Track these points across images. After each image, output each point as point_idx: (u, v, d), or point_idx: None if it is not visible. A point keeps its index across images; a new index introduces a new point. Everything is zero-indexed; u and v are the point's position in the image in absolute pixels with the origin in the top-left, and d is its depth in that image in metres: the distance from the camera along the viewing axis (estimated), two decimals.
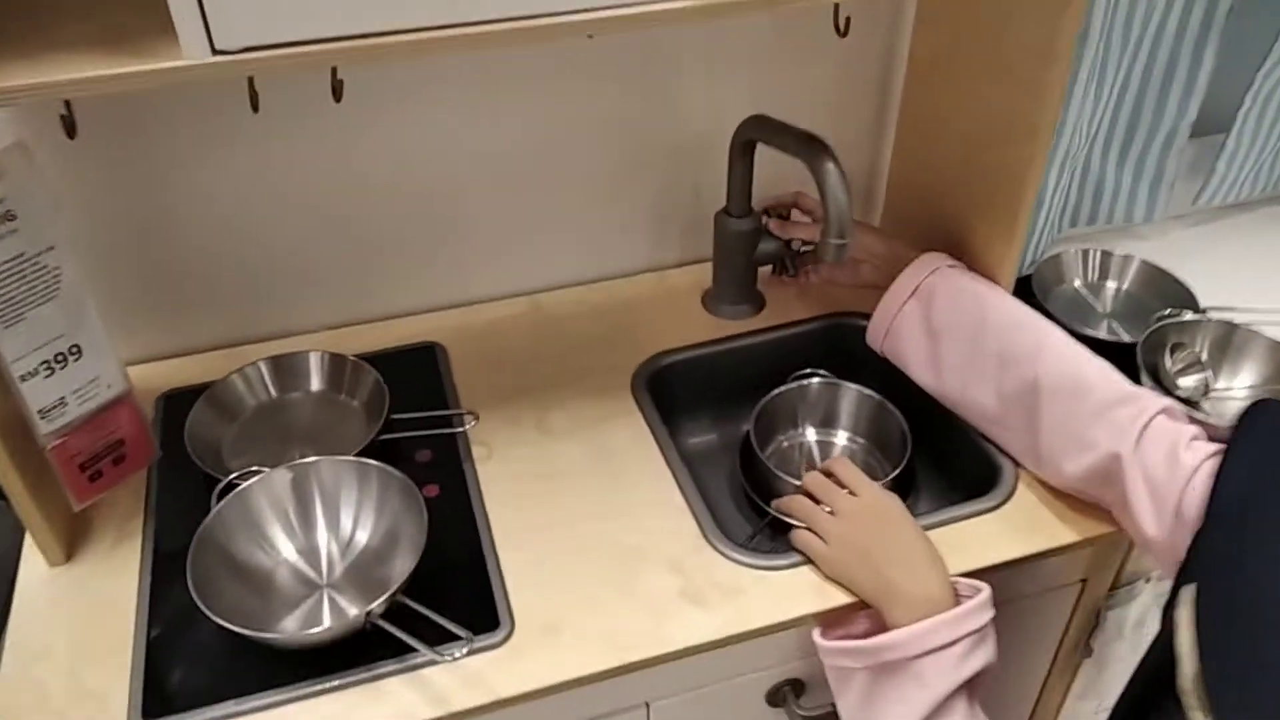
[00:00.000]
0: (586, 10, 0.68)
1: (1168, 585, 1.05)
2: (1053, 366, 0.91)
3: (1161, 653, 0.67)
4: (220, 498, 0.88)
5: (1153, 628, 1.09)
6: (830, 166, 0.92)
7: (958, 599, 0.82)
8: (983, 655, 0.81)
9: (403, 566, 0.85)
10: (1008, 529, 0.93)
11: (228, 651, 0.83)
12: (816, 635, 0.86)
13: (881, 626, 0.83)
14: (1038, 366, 0.92)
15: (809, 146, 0.94)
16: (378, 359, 1.09)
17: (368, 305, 1.19)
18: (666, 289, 1.23)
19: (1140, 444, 0.84)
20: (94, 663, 0.83)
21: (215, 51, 0.64)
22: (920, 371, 1.02)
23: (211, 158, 1.03)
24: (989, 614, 0.81)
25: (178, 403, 1.05)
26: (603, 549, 0.91)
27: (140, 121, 0.99)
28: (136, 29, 0.66)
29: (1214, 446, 0.82)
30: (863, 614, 0.87)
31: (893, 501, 0.89)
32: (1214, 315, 1.15)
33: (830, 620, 0.87)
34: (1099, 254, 1.27)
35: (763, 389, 1.09)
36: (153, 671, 0.82)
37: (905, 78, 1.15)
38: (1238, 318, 1.15)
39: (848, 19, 1.06)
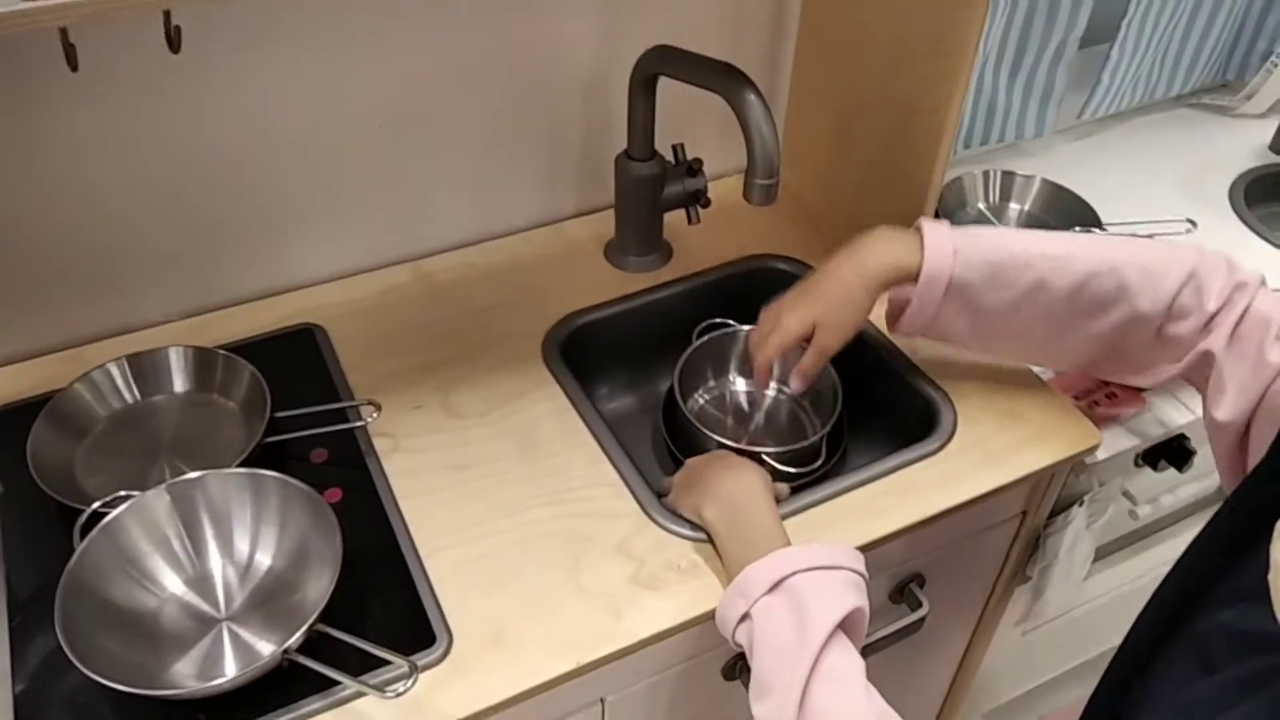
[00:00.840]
0: None
1: (1102, 505, 1.06)
2: (1143, 296, 0.81)
3: (1195, 581, 0.62)
4: (84, 532, 0.74)
5: (1084, 549, 1.10)
6: (752, 99, 0.84)
7: None
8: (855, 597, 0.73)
9: (317, 589, 0.74)
10: (950, 473, 0.89)
11: (116, 706, 0.71)
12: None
13: None
14: (1124, 304, 0.82)
15: (726, 78, 0.85)
16: (249, 349, 0.96)
17: (227, 287, 1.04)
18: (565, 243, 1.14)
19: (1234, 340, 0.79)
20: None
21: None
22: (970, 344, 0.92)
23: (26, 127, 0.86)
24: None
25: (12, 421, 0.89)
26: (540, 540, 0.82)
27: None
28: None
29: None
30: None
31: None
32: (1117, 230, 1.14)
33: None
34: (999, 175, 1.25)
35: (679, 343, 1.01)
36: None
37: None
38: (1140, 230, 1.14)
39: None
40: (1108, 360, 0.88)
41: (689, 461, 0.90)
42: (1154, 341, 0.83)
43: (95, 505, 0.76)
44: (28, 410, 0.88)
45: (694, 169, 1.06)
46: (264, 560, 0.78)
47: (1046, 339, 0.87)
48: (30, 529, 0.82)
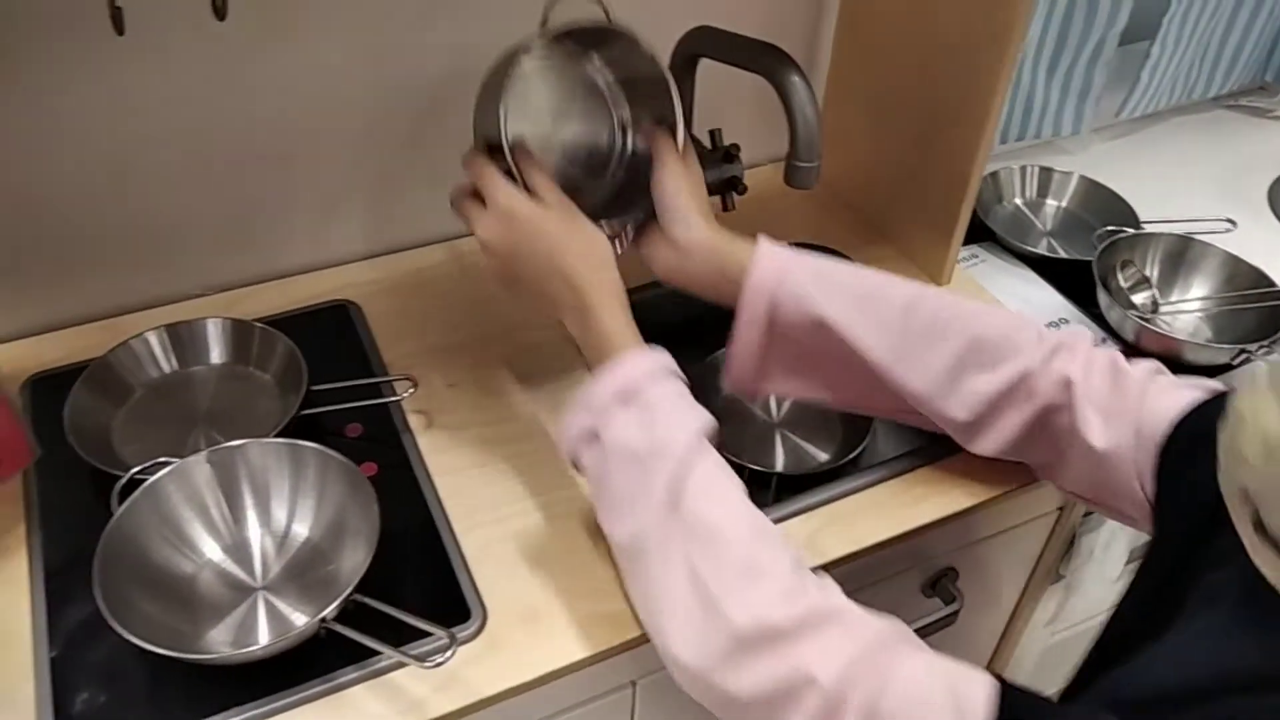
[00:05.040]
0: None
1: None
2: (976, 322, 0.77)
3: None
4: (123, 496, 0.75)
5: (1119, 548, 1.09)
6: (796, 80, 0.83)
7: None
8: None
9: (353, 561, 0.74)
10: (986, 466, 0.87)
11: (151, 672, 0.71)
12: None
13: None
14: (959, 329, 0.76)
15: (770, 59, 0.85)
16: (284, 323, 0.96)
17: (263, 262, 1.04)
18: None
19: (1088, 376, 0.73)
20: None
21: None
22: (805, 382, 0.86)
23: (71, 91, 0.86)
24: None
25: (49, 387, 0.90)
26: (574, 518, 0.82)
27: None
28: None
29: (1149, 364, 0.74)
30: None
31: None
32: (1154, 229, 1.13)
33: None
34: (1037, 170, 1.24)
35: (717, 330, 1.00)
36: (63, 706, 0.69)
37: None
38: (1180, 230, 1.13)
39: None
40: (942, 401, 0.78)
41: (487, 238, 0.77)
42: (991, 384, 0.76)
43: (134, 470, 0.77)
44: (66, 377, 0.88)
45: (731, 154, 1.05)
46: (301, 531, 0.78)
47: (887, 357, 0.77)
48: (66, 495, 0.82)
